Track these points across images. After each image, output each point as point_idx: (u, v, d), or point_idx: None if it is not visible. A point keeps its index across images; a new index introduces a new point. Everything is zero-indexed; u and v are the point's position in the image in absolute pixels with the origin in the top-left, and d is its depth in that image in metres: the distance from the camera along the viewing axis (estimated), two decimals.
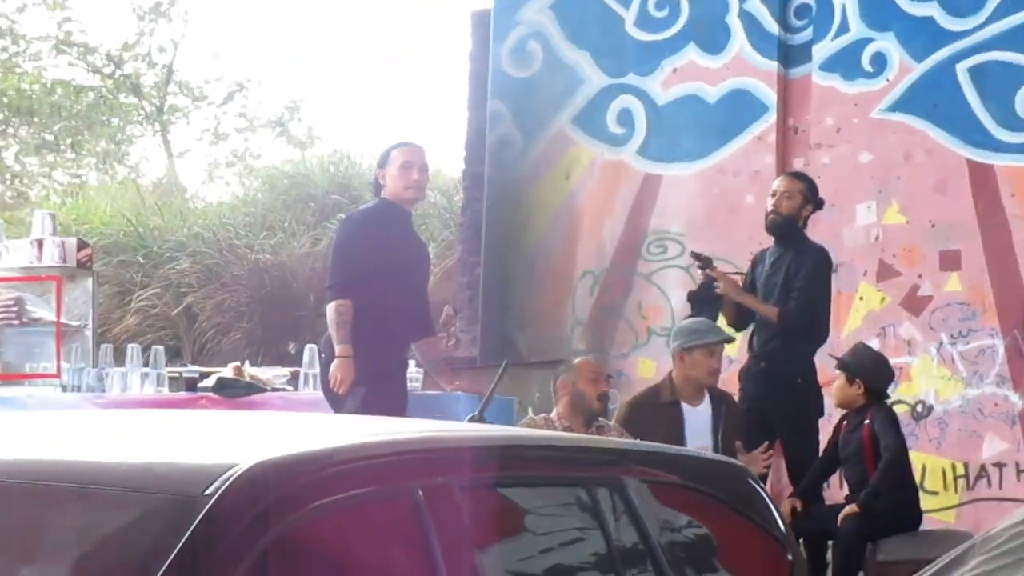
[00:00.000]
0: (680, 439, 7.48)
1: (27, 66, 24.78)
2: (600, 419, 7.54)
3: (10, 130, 24.55)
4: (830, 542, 7.93)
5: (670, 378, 7.91)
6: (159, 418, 4.74)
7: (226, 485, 2.75)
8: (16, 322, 10.63)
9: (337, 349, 7.70)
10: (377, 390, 7.48)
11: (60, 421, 4.39)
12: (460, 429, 4.44)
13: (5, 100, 24.00)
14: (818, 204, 8.40)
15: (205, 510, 2.69)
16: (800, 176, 8.64)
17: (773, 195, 8.28)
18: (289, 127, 25.38)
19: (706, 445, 7.54)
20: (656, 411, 7.74)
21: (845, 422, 8.09)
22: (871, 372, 8.09)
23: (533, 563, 3.52)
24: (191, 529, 2.65)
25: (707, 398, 7.79)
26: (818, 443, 8.23)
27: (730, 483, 4.45)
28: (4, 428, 3.90)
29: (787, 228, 8.21)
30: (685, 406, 7.76)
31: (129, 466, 3.09)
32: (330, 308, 7.71)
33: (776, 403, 8.04)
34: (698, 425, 7.71)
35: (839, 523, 7.77)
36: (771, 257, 8.25)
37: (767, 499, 4.46)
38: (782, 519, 4.54)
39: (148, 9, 24.82)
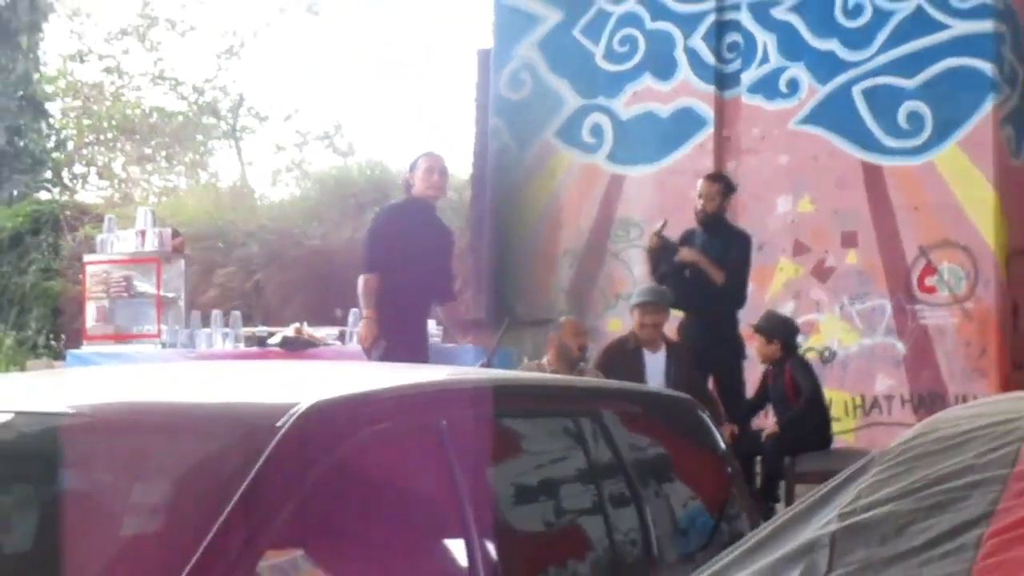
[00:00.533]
0: (641, 378, 7.48)
1: (130, 96, 24.72)
2: (581, 364, 7.54)
3: (118, 145, 24.50)
4: (758, 458, 7.95)
5: (633, 330, 7.92)
6: (238, 368, 4.74)
7: (292, 419, 2.74)
8: (126, 295, 10.64)
9: (363, 313, 7.70)
10: (398, 343, 7.46)
11: (163, 371, 4.40)
12: (473, 373, 4.43)
13: (114, 122, 23.95)
14: (733, 190, 8.47)
15: (277, 438, 2.69)
16: (717, 178, 8.62)
17: (700, 196, 8.28)
18: (334, 141, 25.33)
19: (661, 382, 7.55)
20: (623, 356, 7.74)
21: (771, 368, 8.11)
22: (783, 331, 8.13)
23: (530, 477, 3.52)
24: (267, 452, 2.65)
25: (664, 347, 7.78)
26: (743, 379, 8.25)
27: (682, 413, 4.44)
28: (120, 377, 3.90)
29: (714, 222, 8.23)
30: (646, 352, 7.76)
31: (218, 405, 3.09)
32: (360, 281, 7.67)
33: (710, 349, 8.04)
34: (656, 368, 7.71)
35: (763, 440, 7.81)
36: (699, 238, 8.23)
37: (711, 425, 4.46)
38: (723, 441, 4.54)
39: (223, 51, 24.80)
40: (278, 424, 2.72)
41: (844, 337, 9.53)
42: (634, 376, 7.30)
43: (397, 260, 7.56)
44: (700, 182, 8.47)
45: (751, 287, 8.95)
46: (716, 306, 8.10)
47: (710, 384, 8.09)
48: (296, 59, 29.28)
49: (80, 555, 2.71)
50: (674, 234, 8.38)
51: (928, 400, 9.08)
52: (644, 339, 7.76)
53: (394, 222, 7.82)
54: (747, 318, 8.42)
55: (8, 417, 3.06)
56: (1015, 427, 2.18)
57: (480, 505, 3.04)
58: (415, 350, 7.53)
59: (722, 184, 8.40)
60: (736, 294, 8.18)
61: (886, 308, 9.43)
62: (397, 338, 7.49)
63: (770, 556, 2.21)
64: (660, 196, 10.04)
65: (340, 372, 4.13)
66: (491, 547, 3.01)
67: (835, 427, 8.65)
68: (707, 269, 8.04)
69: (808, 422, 7.93)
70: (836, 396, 9.25)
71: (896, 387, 9.32)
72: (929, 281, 9.32)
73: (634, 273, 10.09)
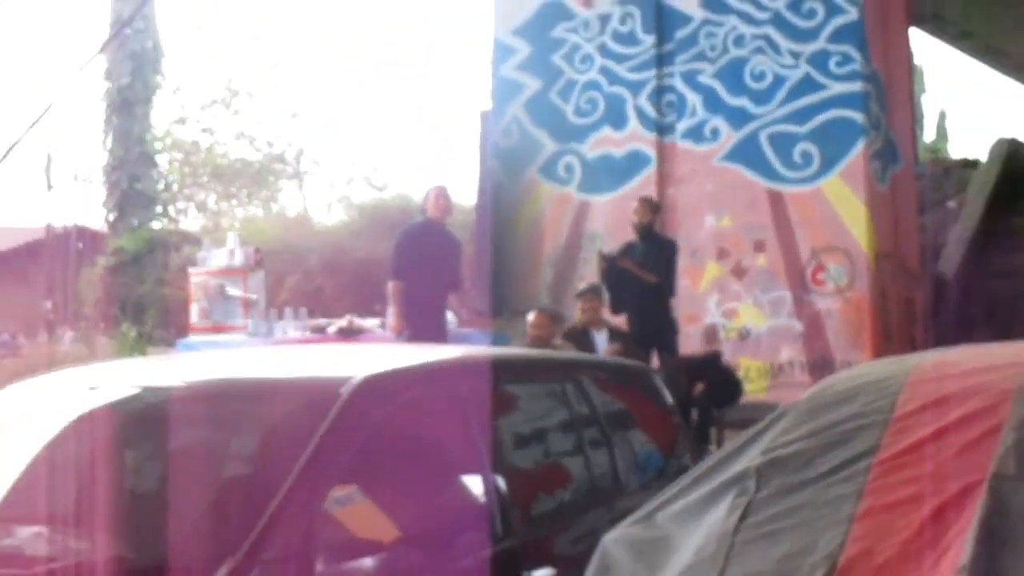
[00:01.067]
0: (592, 350, 7.43)
1: (219, 149, 24.78)
2: (554, 342, 7.47)
3: (211, 186, 24.54)
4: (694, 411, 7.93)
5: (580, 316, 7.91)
6: (306, 351, 4.73)
7: (351, 388, 2.75)
8: (220, 297, 10.61)
9: (391, 310, 7.72)
10: (419, 331, 7.45)
11: (250, 354, 4.39)
12: (484, 351, 4.43)
13: (207, 169, 24.00)
14: (659, 210, 8.47)
15: (340, 402, 2.70)
16: (647, 200, 8.49)
17: (635, 213, 8.19)
18: (372, 179, 25.34)
19: (604, 351, 7.47)
20: (577, 335, 7.66)
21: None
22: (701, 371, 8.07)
23: (527, 427, 3.52)
24: (332, 413, 2.66)
25: (606, 328, 7.72)
26: (678, 351, 8.17)
27: (639, 378, 4.45)
28: (219, 359, 3.89)
29: (647, 232, 8.15)
30: (593, 332, 7.69)
31: (295, 378, 3.09)
32: (389, 286, 7.73)
33: (651, 331, 7.96)
34: (601, 343, 7.67)
35: (694, 394, 7.77)
36: (638, 247, 8.13)
37: (661, 386, 4.46)
38: (670, 398, 4.53)
39: (290, 115, 24.88)
40: (340, 391, 2.72)
41: (757, 320, 9.52)
42: (586, 349, 7.30)
43: (416, 266, 7.57)
44: (635, 204, 8.40)
45: (686, 283, 8.94)
46: (654, 298, 8.04)
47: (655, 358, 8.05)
48: (345, 116, 29.24)
49: (192, 493, 2.70)
50: (622, 244, 8.35)
51: (820, 365, 9.06)
52: (587, 320, 7.71)
53: (412, 237, 7.84)
54: (682, 307, 8.38)
55: (137, 391, 3.07)
56: (891, 383, 2.20)
57: (492, 449, 3.04)
58: (435, 334, 7.54)
59: (650, 203, 8.37)
60: (668, 288, 8.15)
61: (787, 297, 9.43)
62: (418, 327, 7.49)
63: (711, 484, 2.22)
64: (617, 217, 9.99)
65: (384, 352, 4.13)
66: (500, 480, 3.02)
67: (751, 387, 8.68)
68: (638, 273, 7.99)
69: (726, 387, 7.98)
70: (752, 364, 9.26)
71: (796, 356, 9.32)
72: (820, 276, 9.32)
73: (597, 274, 10.09)
